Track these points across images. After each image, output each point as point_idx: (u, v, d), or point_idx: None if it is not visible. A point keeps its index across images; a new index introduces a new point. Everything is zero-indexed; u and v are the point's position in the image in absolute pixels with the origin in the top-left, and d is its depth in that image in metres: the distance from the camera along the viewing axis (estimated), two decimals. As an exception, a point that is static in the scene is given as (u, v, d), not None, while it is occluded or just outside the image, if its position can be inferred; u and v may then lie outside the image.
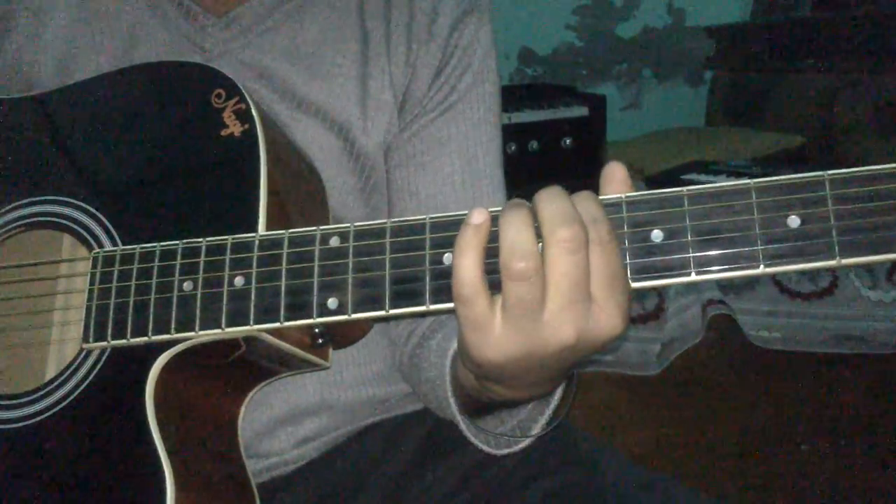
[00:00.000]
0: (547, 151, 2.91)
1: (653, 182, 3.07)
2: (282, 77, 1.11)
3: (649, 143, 3.42)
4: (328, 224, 1.03)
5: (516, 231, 0.72)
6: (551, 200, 0.73)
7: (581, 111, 3.00)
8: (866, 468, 2.11)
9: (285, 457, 1.13)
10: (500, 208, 0.76)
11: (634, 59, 3.87)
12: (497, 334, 0.75)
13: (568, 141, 2.95)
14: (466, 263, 0.73)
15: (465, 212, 0.77)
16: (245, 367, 0.95)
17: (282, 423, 1.12)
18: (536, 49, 3.69)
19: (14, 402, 0.94)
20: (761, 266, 0.74)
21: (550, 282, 0.72)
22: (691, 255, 0.75)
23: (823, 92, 3.32)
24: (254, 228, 0.88)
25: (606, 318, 0.74)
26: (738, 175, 2.89)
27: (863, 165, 0.74)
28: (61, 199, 0.98)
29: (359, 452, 1.15)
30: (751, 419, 2.14)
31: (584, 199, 0.75)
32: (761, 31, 3.62)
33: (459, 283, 0.73)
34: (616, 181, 0.77)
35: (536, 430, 0.98)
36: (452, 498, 1.09)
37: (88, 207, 0.97)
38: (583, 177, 3.03)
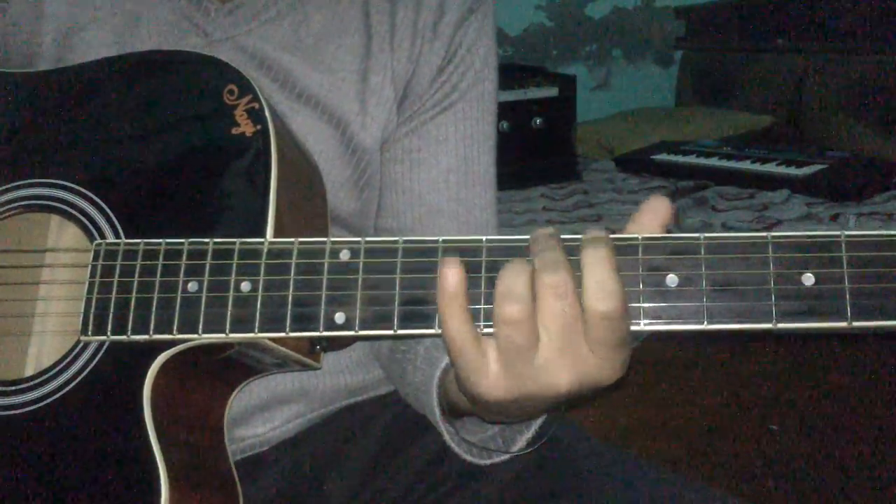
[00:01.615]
0: (517, 131, 2.91)
1: (622, 162, 3.07)
2: (282, 67, 1.10)
3: (619, 123, 3.43)
4: (327, 221, 1.04)
5: (510, 278, 0.75)
6: (539, 245, 0.76)
7: (551, 91, 3.00)
8: (835, 447, 2.13)
9: (260, 439, 1.13)
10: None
11: (604, 40, 3.87)
12: (491, 377, 0.78)
13: (538, 121, 2.95)
14: (451, 324, 0.76)
15: (479, 237, 0.80)
16: (236, 365, 0.95)
17: (259, 410, 1.12)
18: (506, 29, 3.67)
19: (7, 389, 0.92)
20: (774, 322, 0.74)
21: (541, 326, 0.75)
22: (705, 304, 0.75)
23: (793, 72, 3.33)
24: (262, 232, 0.87)
25: (599, 365, 0.77)
26: (707, 155, 2.90)
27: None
28: (63, 183, 0.96)
29: (333, 432, 1.15)
30: (719, 399, 2.14)
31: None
32: (731, 11, 3.63)
33: (448, 338, 0.77)
34: (656, 214, 0.78)
35: (520, 443, 1.00)
36: (424, 476, 1.10)
37: (90, 194, 0.94)
38: (553, 156, 3.04)
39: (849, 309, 0.73)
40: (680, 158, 2.94)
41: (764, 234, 0.75)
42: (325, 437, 1.14)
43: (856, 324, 0.72)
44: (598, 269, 0.74)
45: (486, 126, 1.17)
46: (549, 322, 0.74)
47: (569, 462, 1.08)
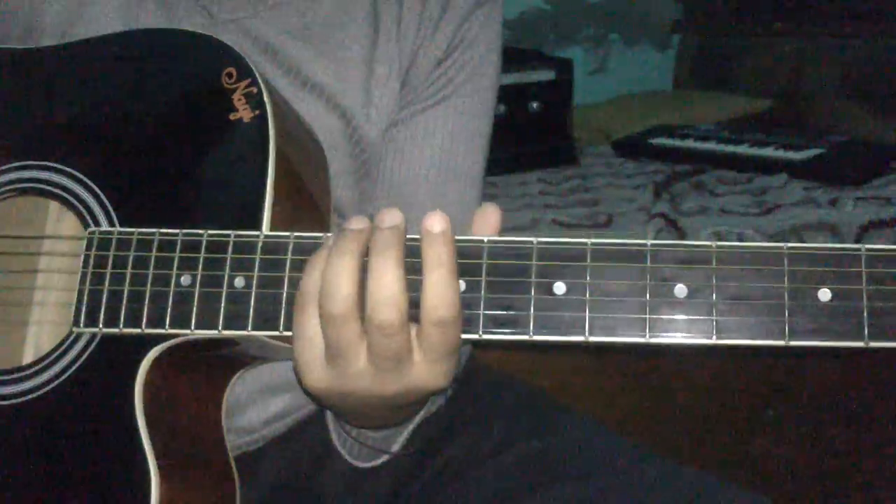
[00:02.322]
0: (514, 115, 2.89)
1: (620, 146, 3.06)
2: (288, 53, 1.08)
3: (616, 107, 3.41)
4: (329, 209, 1.02)
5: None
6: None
7: (548, 75, 2.99)
8: (831, 432, 2.13)
9: (255, 435, 1.13)
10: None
11: (601, 23, 3.85)
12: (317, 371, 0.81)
13: (535, 105, 2.93)
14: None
15: (481, 237, 0.77)
16: (233, 358, 0.94)
17: (252, 401, 1.11)
18: (504, 13, 3.65)
19: (3, 378, 0.91)
20: (786, 339, 0.71)
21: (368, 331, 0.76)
22: (714, 317, 0.72)
23: (791, 56, 3.32)
24: (257, 223, 0.85)
25: (427, 370, 0.78)
26: (705, 139, 2.88)
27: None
28: (57, 166, 0.94)
29: (324, 427, 1.14)
30: (716, 384, 2.14)
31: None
32: (729, -6, 3.61)
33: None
34: (486, 220, 0.78)
35: (397, 445, 1.02)
36: (420, 468, 1.10)
37: (86, 179, 0.92)
38: (550, 140, 3.03)
39: (866, 328, 0.69)
40: (677, 142, 2.92)
41: (780, 244, 0.72)
42: (318, 431, 1.13)
43: (873, 344, 0.69)
44: (436, 274, 0.73)
45: (478, 123, 1.15)
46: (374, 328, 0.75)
47: (571, 447, 1.07)
